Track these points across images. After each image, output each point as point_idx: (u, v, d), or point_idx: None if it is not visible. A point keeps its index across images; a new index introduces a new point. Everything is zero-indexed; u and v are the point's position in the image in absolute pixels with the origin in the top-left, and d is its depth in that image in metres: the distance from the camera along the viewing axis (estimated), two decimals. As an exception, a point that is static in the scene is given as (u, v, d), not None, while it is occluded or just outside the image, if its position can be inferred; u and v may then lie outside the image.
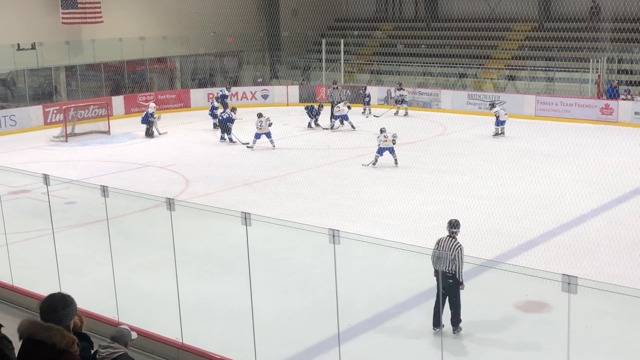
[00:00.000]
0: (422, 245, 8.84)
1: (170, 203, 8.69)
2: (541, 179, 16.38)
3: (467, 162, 19.10)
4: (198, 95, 31.29)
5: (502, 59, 31.19)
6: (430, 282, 9.32)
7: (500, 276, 10.27)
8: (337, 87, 27.95)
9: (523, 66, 29.93)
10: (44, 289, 4.86)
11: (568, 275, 6.02)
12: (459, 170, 18.34)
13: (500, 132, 22.75)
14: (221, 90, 28.68)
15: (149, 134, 24.65)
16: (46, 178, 10.11)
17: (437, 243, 9.23)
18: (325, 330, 8.70)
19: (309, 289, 10.98)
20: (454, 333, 8.95)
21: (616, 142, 20.11)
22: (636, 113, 25.07)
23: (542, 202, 15.01)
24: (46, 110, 27.20)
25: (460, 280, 8.89)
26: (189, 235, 12.33)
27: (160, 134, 24.90)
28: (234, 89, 31.04)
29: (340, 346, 7.98)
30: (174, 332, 8.95)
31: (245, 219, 8.06)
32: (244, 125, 23.75)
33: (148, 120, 24.70)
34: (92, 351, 6.29)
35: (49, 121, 26.99)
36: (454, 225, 9.30)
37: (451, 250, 8.98)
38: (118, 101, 29.09)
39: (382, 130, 19.26)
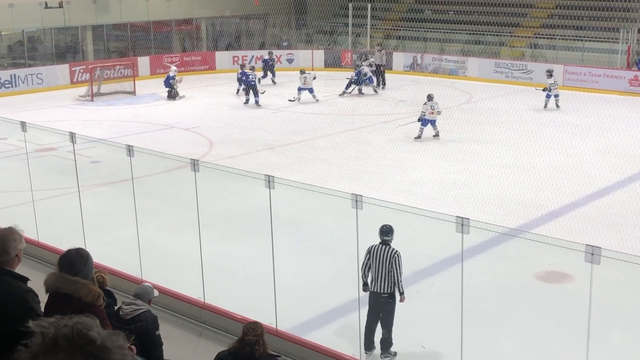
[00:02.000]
0: (445, 212, 8.83)
1: (194, 164, 8.75)
2: (566, 149, 16.24)
3: (492, 131, 18.94)
4: (223, 57, 31.23)
5: (531, 27, 30.72)
6: (453, 249, 9.30)
7: (521, 245, 10.26)
8: (381, 50, 27.68)
9: (552, 35, 29.47)
10: (69, 246, 4.92)
11: (592, 246, 6.00)
12: (483, 139, 18.21)
13: (548, 105, 22.13)
14: (266, 55, 28.26)
15: (171, 95, 24.66)
16: (72, 136, 10.21)
17: (369, 252, 8.12)
18: (345, 294, 8.77)
19: (330, 253, 11.04)
20: (382, 358, 8.06)
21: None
22: (666, 85, 24.69)
23: (566, 173, 14.89)
24: (72, 69, 27.32)
25: (401, 291, 8.01)
26: (212, 197, 12.42)
27: (180, 96, 24.89)
28: (258, 52, 30.94)
29: (361, 310, 8.04)
30: (196, 292, 9.07)
31: (269, 182, 8.10)
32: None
33: (169, 83, 24.70)
34: (116, 307, 6.40)
35: (75, 80, 27.12)
36: (386, 232, 8.17)
37: (388, 261, 7.94)
38: (144, 62, 29.12)
39: (430, 98, 18.40)
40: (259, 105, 22.79)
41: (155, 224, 11.93)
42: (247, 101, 23.18)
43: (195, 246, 9.22)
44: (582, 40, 28.27)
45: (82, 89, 25.53)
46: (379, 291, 7.98)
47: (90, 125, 19.86)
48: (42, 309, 4.65)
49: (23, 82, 26.04)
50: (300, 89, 23.47)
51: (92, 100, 24.51)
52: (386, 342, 8.05)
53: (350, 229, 7.88)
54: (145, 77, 28.32)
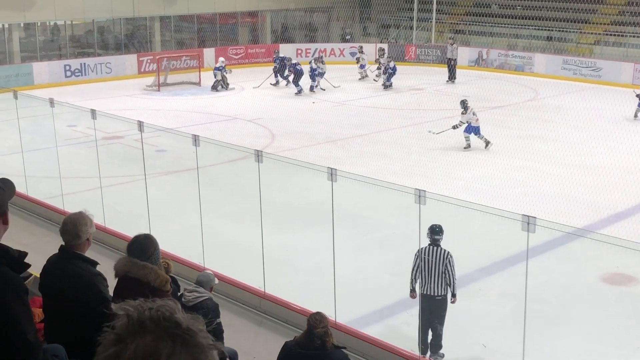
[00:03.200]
0: (508, 209, 8.69)
1: (258, 155, 8.83)
2: (635, 150, 15.75)
3: (558, 129, 18.55)
4: (287, 49, 31.34)
5: (600, 23, 29.95)
6: (515, 248, 9.16)
7: (586, 246, 10.04)
8: (453, 44, 27.44)
9: (622, 32, 28.67)
10: (135, 232, 5.03)
11: (662, 249, 5.83)
12: (548, 137, 17.86)
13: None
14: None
15: (214, 86, 24.73)
16: (140, 125, 10.41)
17: (419, 256, 7.87)
18: (405, 290, 8.72)
19: (391, 248, 11.00)
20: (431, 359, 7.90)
21: None
22: None
23: (634, 174, 14.48)
24: (140, 59, 27.87)
25: (454, 293, 7.83)
26: (274, 187, 12.51)
27: (227, 89, 24.96)
28: (321, 45, 30.96)
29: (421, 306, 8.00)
30: (257, 281, 9.16)
31: (332, 174, 8.11)
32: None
33: (215, 74, 24.83)
34: (179, 294, 6.52)
35: (142, 70, 27.66)
36: (437, 231, 7.91)
37: (442, 262, 7.73)
38: (209, 53, 29.50)
39: (466, 104, 17.25)
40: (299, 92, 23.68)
41: (218, 213, 12.08)
42: (300, 90, 23.76)
43: (257, 236, 9.30)
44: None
45: (149, 79, 26.01)
46: (432, 294, 7.79)
47: (156, 115, 20.23)
48: (111, 293, 4.77)
49: (92, 71, 26.70)
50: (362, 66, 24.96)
51: (158, 90, 24.96)
52: (436, 345, 7.93)
53: (413, 225, 7.84)
54: (210, 69, 28.59)
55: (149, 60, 27.73)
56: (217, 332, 6.31)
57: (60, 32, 28.87)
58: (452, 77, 26.57)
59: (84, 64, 26.72)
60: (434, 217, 9.57)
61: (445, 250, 7.82)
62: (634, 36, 28.08)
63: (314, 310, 5.89)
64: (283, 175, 12.61)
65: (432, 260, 7.77)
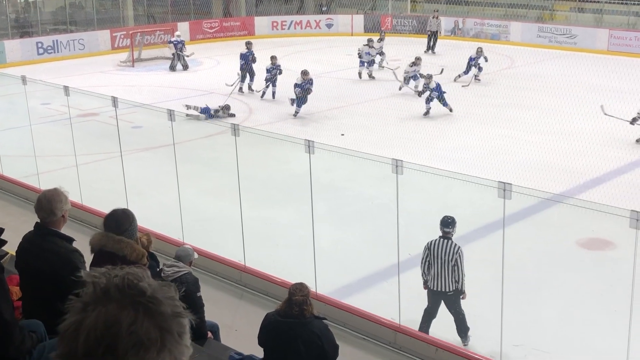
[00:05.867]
0: (487, 178, 8.73)
1: (235, 129, 8.78)
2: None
3: (534, 97, 18.64)
4: (262, 23, 31.13)
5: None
6: (494, 215, 9.22)
7: (563, 212, 10.13)
8: (437, 17, 27.33)
9: (597, -1, 28.77)
10: (112, 209, 5.00)
11: (637, 212, 5.90)
12: (525, 105, 17.93)
13: None
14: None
15: (172, 66, 24.05)
16: (114, 101, 10.31)
17: (428, 248, 7.60)
18: (385, 260, 8.78)
19: (370, 219, 11.04)
20: (464, 345, 7.65)
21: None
22: None
23: (610, 139, 14.62)
24: (113, 35, 27.52)
25: (462, 290, 7.60)
26: (253, 162, 12.47)
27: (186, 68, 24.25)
28: (297, 17, 30.69)
29: (400, 275, 8.05)
30: (237, 255, 9.17)
31: (309, 146, 8.09)
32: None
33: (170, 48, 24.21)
34: (158, 269, 6.50)
35: (116, 46, 27.32)
36: (447, 223, 7.61)
37: (451, 257, 7.46)
38: (183, 27, 29.17)
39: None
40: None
41: (196, 189, 12.03)
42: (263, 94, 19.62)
43: (236, 210, 9.29)
44: (627, 4, 27.53)
45: (123, 55, 25.71)
46: (443, 290, 7.54)
47: (131, 91, 20.03)
48: (87, 269, 4.75)
49: (65, 48, 26.33)
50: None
51: (132, 66, 24.68)
52: (464, 329, 7.67)
53: (391, 195, 7.86)
54: (185, 43, 28.39)
55: (122, 36, 27.38)
56: (198, 306, 6.31)
57: (31, 9, 28.40)
58: (432, 48, 26.64)
59: (57, 40, 26.32)
60: (412, 186, 9.60)
61: (456, 245, 7.50)
62: (608, 2, 28.16)
63: (294, 282, 5.91)
64: (261, 149, 12.57)
65: (442, 255, 7.47)
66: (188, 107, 16.85)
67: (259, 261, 9.17)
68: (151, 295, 1.37)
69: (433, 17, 27.24)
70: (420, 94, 17.90)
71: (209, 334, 6.57)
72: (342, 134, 15.05)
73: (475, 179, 7.86)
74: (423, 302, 8.18)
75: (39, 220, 4.87)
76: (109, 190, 11.68)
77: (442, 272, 7.48)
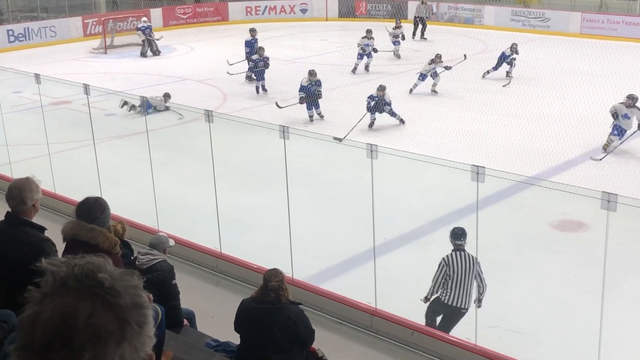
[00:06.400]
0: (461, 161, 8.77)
1: (208, 115, 8.72)
2: (584, 98, 15.99)
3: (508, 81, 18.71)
4: (235, 8, 30.92)
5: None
6: (468, 199, 9.28)
7: (537, 194, 10.24)
8: (425, 2, 27.19)
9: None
10: (85, 197, 4.95)
11: (608, 193, 5.96)
12: (499, 90, 18.03)
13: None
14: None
15: (143, 52, 23.91)
16: (86, 88, 10.20)
17: (447, 264, 7.16)
18: (361, 244, 8.80)
19: (346, 204, 11.06)
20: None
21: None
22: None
23: (583, 122, 14.72)
24: (85, 21, 27.19)
25: (481, 299, 7.27)
26: (228, 148, 12.44)
27: (158, 54, 24.12)
28: (271, 2, 30.48)
29: (376, 259, 8.08)
30: (213, 242, 9.14)
31: (284, 132, 8.07)
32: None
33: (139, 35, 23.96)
34: (132, 257, 6.46)
35: (88, 33, 27.02)
36: (459, 235, 7.27)
37: (472, 269, 7.11)
38: (156, 13, 28.91)
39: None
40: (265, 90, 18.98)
41: (171, 176, 11.97)
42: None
43: (211, 197, 9.25)
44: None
45: (96, 42, 25.43)
46: (459, 306, 7.17)
47: (104, 78, 19.82)
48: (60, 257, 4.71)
49: (36, 35, 25.99)
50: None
51: (105, 53, 24.42)
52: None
53: (366, 180, 7.87)
54: (158, 29, 28.10)
55: (94, 23, 27.07)
56: (173, 294, 6.29)
57: (0, -4, 27.98)
58: (422, 33, 26.46)
59: (28, 28, 25.96)
60: (387, 171, 9.61)
61: (471, 255, 7.15)
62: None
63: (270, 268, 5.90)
64: (236, 135, 12.53)
65: (463, 269, 7.09)
66: (126, 103, 15.56)
67: (235, 248, 9.15)
68: (110, 286, 1.34)
69: (422, 3, 27.13)
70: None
71: (185, 322, 6.54)
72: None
73: (449, 163, 7.90)
74: (399, 286, 8.24)
75: (9, 210, 4.82)
76: (82, 178, 11.57)
77: (463, 286, 7.12)
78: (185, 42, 25.56)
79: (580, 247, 9.24)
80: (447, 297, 7.21)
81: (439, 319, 7.56)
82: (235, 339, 5.91)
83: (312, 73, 16.23)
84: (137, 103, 14.93)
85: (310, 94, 15.77)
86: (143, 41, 23.78)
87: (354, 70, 21.05)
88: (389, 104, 15.37)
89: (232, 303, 6.10)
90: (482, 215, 7.35)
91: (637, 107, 12.84)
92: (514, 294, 8.40)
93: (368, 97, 15.14)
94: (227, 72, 18.94)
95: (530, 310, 8.03)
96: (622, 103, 12.97)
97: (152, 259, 6.28)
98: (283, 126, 8.13)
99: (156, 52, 23.89)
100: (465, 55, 18.72)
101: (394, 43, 22.89)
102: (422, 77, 18.15)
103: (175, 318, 6.32)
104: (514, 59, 19.33)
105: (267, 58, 18.68)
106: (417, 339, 7.32)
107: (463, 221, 9.62)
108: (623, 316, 7.66)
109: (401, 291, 8.35)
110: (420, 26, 26.70)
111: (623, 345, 7.10)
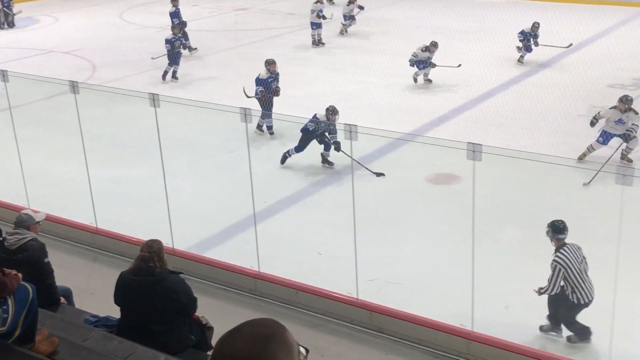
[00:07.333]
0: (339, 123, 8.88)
1: (73, 86, 8.39)
2: (452, 55, 16.46)
3: (383, 41, 18.98)
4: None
5: None
6: (347, 158, 9.42)
7: (411, 150, 10.54)
8: None
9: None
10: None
11: (473, 143, 6.19)
12: (373, 49, 18.28)
13: None
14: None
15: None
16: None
17: (564, 267, 6.39)
18: (242, 210, 8.76)
19: (225, 170, 10.98)
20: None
21: (527, 18, 20.30)
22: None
23: (453, 78, 15.22)
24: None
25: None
26: (100, 121, 12.05)
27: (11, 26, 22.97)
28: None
29: (257, 224, 8.08)
30: (88, 218, 8.88)
31: (154, 100, 7.89)
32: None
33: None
34: (0, 238, 6.19)
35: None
36: (560, 229, 6.54)
37: (582, 259, 6.53)
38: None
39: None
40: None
41: (41, 153, 11.47)
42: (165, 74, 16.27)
43: (84, 172, 8.95)
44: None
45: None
46: (590, 300, 6.53)
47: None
48: None
49: None
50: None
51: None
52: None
53: (242, 145, 7.83)
54: (20, 0, 26.70)
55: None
56: (46, 272, 6.08)
57: None
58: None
59: None
60: (265, 136, 9.59)
61: (574, 244, 6.55)
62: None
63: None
64: (107, 107, 12.15)
65: (578, 263, 6.49)
66: None
67: (113, 222, 8.93)
68: None
69: None
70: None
71: (62, 299, 6.35)
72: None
73: (320, 123, 7.97)
74: (281, 248, 8.29)
75: None
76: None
77: (585, 282, 6.51)
78: (49, 13, 24.40)
79: (453, 199, 9.56)
80: (582, 297, 6.51)
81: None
82: (116, 313, 5.79)
83: (270, 62, 12.79)
84: None
85: (269, 92, 12.33)
86: None
87: (315, 41, 19.35)
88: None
89: (111, 279, 5.95)
90: (359, 174, 7.51)
91: (633, 111, 10.61)
92: (394, 248, 8.62)
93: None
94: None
95: (410, 262, 8.26)
96: (614, 107, 10.72)
97: (21, 239, 6.02)
98: (153, 94, 7.94)
99: (10, 24, 22.68)
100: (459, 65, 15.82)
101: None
102: (413, 64, 15.58)
103: (51, 297, 6.12)
104: (537, 37, 17.09)
105: (181, 37, 16.97)
106: (302, 298, 7.41)
107: (343, 180, 9.81)
108: (497, 261, 8.01)
109: (284, 253, 8.41)
110: None
111: (495, 289, 7.43)
